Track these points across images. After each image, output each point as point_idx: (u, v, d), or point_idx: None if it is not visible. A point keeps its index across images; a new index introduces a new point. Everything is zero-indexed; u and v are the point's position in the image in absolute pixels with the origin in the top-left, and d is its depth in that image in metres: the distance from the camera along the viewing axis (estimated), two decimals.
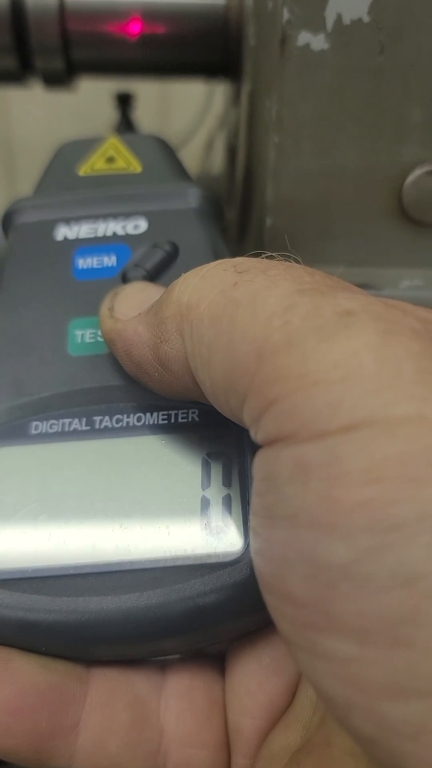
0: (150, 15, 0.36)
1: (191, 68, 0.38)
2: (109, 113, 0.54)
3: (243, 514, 0.20)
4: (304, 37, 0.26)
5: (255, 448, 0.16)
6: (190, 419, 0.21)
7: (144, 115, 0.58)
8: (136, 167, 0.29)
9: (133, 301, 0.21)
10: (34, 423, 0.22)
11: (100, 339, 0.23)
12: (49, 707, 0.18)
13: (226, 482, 0.20)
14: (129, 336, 0.20)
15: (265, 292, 0.16)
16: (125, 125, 0.53)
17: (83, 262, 0.26)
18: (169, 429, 0.21)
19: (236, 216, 0.39)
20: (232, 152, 0.43)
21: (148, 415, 0.22)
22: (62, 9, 0.35)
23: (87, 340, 0.23)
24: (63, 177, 0.29)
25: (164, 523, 0.20)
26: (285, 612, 0.15)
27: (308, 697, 0.19)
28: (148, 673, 0.20)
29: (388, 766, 0.13)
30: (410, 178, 0.28)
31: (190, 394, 0.19)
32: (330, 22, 0.25)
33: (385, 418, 0.13)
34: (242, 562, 0.19)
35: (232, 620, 0.19)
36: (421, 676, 0.12)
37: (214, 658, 0.21)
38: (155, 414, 0.22)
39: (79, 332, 0.24)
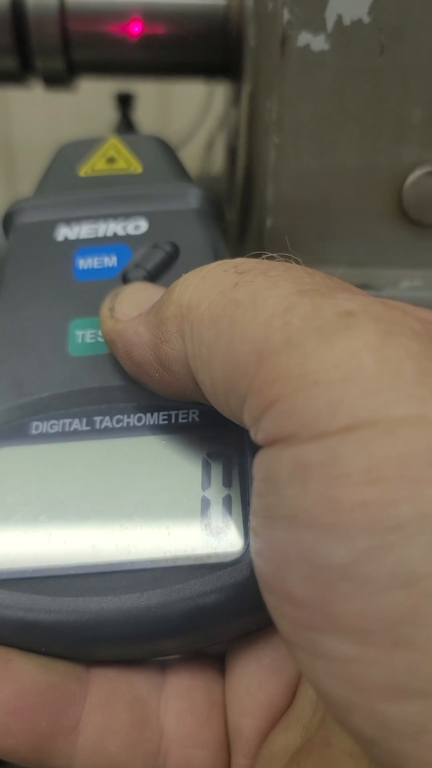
0: (150, 15, 0.36)
1: (191, 69, 0.38)
2: (110, 113, 0.54)
3: (243, 515, 0.20)
4: (304, 38, 0.26)
5: (255, 448, 0.16)
6: (190, 419, 0.21)
7: (144, 116, 0.58)
8: (136, 168, 0.30)
9: (133, 302, 0.21)
10: (35, 423, 0.22)
11: (100, 339, 0.23)
12: (49, 707, 0.18)
13: (227, 482, 0.20)
14: (129, 336, 0.20)
15: (265, 292, 0.16)
16: (125, 126, 0.53)
17: (84, 263, 0.26)
18: (169, 429, 0.21)
19: (236, 216, 0.39)
20: (232, 153, 0.43)
21: (148, 415, 0.22)
22: (62, 9, 0.35)
23: (87, 340, 0.23)
24: (64, 177, 0.29)
25: (164, 523, 0.20)
26: (285, 612, 0.15)
27: (308, 698, 0.19)
28: (148, 674, 0.20)
29: (388, 767, 0.13)
30: (410, 178, 0.28)
31: (191, 394, 0.19)
32: (330, 23, 0.25)
33: (385, 418, 0.13)
34: (242, 562, 0.19)
35: (232, 620, 0.19)
36: (421, 677, 0.12)
37: (214, 659, 0.21)
38: (155, 414, 0.22)
39: (79, 332, 0.24)
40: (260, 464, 0.16)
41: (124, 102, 0.53)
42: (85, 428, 0.21)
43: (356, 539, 0.13)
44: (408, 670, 0.13)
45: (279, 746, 0.19)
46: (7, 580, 0.19)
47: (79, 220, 0.27)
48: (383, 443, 0.13)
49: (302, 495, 0.14)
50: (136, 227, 0.27)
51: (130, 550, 0.19)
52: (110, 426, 0.21)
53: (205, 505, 0.20)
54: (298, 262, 0.18)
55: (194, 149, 0.55)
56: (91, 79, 0.40)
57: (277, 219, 0.30)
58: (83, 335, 0.24)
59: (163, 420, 0.21)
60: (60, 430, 0.21)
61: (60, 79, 0.38)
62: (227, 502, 0.20)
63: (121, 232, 0.27)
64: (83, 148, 0.31)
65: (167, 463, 0.21)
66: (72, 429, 0.21)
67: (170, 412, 0.22)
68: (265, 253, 0.19)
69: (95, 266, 0.26)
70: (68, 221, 0.27)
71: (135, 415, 0.22)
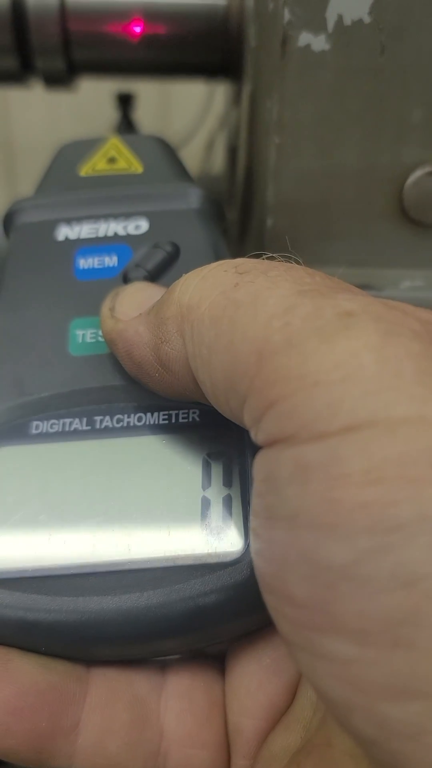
0: (151, 15, 0.36)
1: (192, 68, 0.38)
2: (110, 113, 0.54)
3: (243, 515, 0.20)
4: (305, 38, 0.26)
5: (255, 448, 0.16)
6: (190, 419, 0.21)
7: (144, 116, 0.58)
8: (137, 168, 0.30)
9: (134, 302, 0.21)
10: (35, 423, 0.22)
11: (101, 339, 0.23)
12: (48, 707, 0.18)
13: (227, 482, 0.20)
14: (130, 336, 0.20)
15: (265, 293, 0.16)
16: (126, 125, 0.53)
17: (84, 262, 0.26)
18: (169, 429, 0.21)
19: (237, 216, 0.39)
20: (232, 153, 0.43)
21: (148, 415, 0.22)
22: (63, 9, 0.35)
23: (88, 340, 0.23)
24: (64, 177, 0.29)
25: (164, 523, 0.20)
26: (285, 613, 0.15)
27: (308, 698, 0.19)
28: (148, 674, 0.20)
29: (388, 767, 0.13)
30: (411, 178, 0.28)
31: (191, 394, 0.19)
32: (331, 23, 0.25)
33: (386, 418, 0.13)
34: (242, 562, 0.19)
35: (232, 620, 0.19)
36: (422, 677, 0.12)
37: (214, 659, 0.21)
38: (156, 414, 0.22)
39: (80, 332, 0.24)
40: (260, 465, 0.16)
41: (125, 102, 0.53)
42: (85, 428, 0.21)
43: (356, 540, 0.13)
44: (408, 671, 0.13)
45: (279, 747, 0.19)
46: (7, 580, 0.19)
47: (79, 219, 0.27)
48: (383, 443, 0.13)
49: (302, 495, 0.14)
50: (137, 227, 0.27)
51: (130, 550, 0.19)
52: (110, 426, 0.21)
53: (206, 504, 0.20)
54: (298, 263, 0.18)
55: (194, 149, 0.55)
56: (92, 78, 0.40)
57: (278, 219, 0.30)
58: (83, 335, 0.24)
59: (164, 420, 0.21)
60: (60, 430, 0.21)
61: (60, 78, 0.38)
62: (227, 502, 0.20)
63: (121, 232, 0.27)
64: (84, 148, 0.31)
65: (167, 463, 0.21)
66: (72, 429, 0.21)
67: (170, 412, 0.22)
68: (265, 253, 0.19)
69: (96, 266, 0.26)
70: (69, 221, 0.27)
71: (135, 414, 0.22)
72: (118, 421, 0.22)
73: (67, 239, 0.27)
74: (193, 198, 0.27)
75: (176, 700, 0.20)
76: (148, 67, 0.38)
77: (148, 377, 0.20)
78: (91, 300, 0.24)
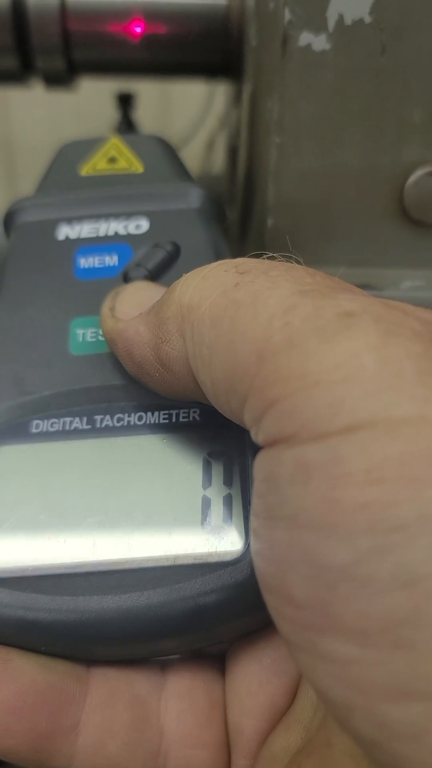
0: (151, 15, 0.36)
1: (192, 68, 0.38)
2: (110, 113, 0.54)
3: (244, 514, 0.20)
4: (305, 38, 0.26)
5: (256, 447, 0.16)
6: (191, 419, 0.21)
7: (145, 116, 0.58)
8: (137, 167, 0.30)
9: (134, 301, 0.21)
10: (35, 422, 0.22)
11: (101, 338, 0.23)
12: (48, 707, 0.18)
13: (227, 482, 0.20)
14: (130, 336, 0.20)
15: (266, 293, 0.16)
16: (126, 125, 0.53)
17: (85, 262, 0.26)
18: (170, 428, 0.21)
19: (237, 216, 0.39)
20: (233, 152, 0.43)
21: (149, 414, 0.22)
22: (63, 9, 0.35)
23: (88, 339, 0.23)
24: (65, 177, 0.29)
25: (165, 522, 0.20)
26: (285, 613, 0.15)
27: (309, 698, 0.19)
28: (148, 674, 0.20)
29: None
30: (412, 178, 0.28)
31: (191, 394, 0.19)
32: (331, 23, 0.25)
33: (386, 418, 0.13)
34: (243, 561, 0.19)
35: (232, 620, 0.19)
36: (422, 678, 0.12)
37: (215, 659, 0.21)
38: (156, 413, 0.22)
39: (80, 331, 0.24)
40: (261, 465, 0.16)
41: (125, 102, 0.53)
42: (85, 427, 0.21)
43: (357, 540, 0.13)
44: (409, 672, 0.12)
45: (279, 747, 0.19)
46: (6, 579, 0.19)
47: (80, 219, 0.27)
48: (384, 444, 0.13)
49: (303, 495, 0.14)
50: (137, 226, 0.27)
51: (130, 549, 0.19)
52: (111, 425, 0.21)
53: (206, 504, 0.20)
54: (299, 262, 0.18)
55: (195, 149, 0.55)
56: (92, 78, 0.40)
57: (278, 219, 0.30)
58: (84, 334, 0.24)
59: (164, 419, 0.21)
60: (60, 429, 0.21)
61: (60, 78, 0.38)
62: (228, 502, 0.20)
63: (122, 232, 0.27)
64: (84, 147, 0.31)
65: (168, 462, 0.21)
66: (72, 428, 0.21)
67: (171, 411, 0.22)
68: (266, 253, 0.19)
69: (96, 265, 0.26)
70: (69, 220, 0.27)
71: (135, 413, 0.22)
72: (119, 420, 0.22)
73: (67, 238, 0.27)
74: (193, 197, 0.27)
75: (176, 700, 0.20)
76: (149, 67, 0.38)
77: (149, 377, 0.20)
78: (92, 299, 0.24)
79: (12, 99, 0.73)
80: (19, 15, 0.35)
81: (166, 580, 0.19)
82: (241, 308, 0.16)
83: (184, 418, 0.21)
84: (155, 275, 0.25)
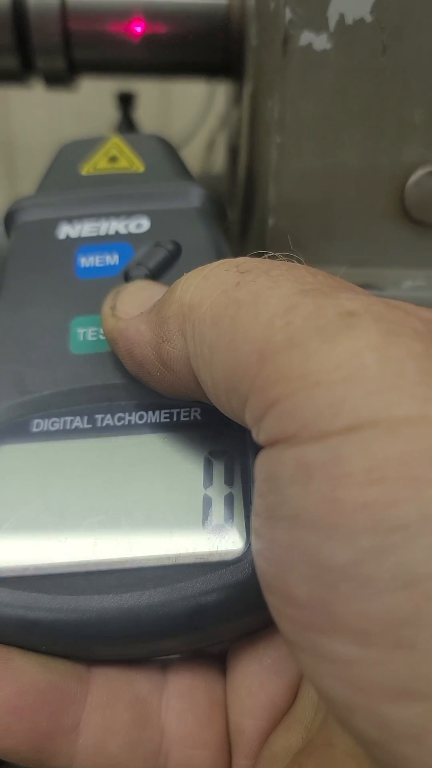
0: (151, 15, 0.36)
1: (193, 68, 0.38)
2: (111, 113, 0.54)
3: (245, 513, 0.20)
4: (306, 37, 0.26)
5: (257, 446, 0.16)
6: (192, 418, 0.21)
7: (145, 115, 0.58)
8: (138, 167, 0.30)
9: (135, 300, 0.21)
10: (36, 421, 0.22)
11: (102, 337, 0.23)
12: (49, 707, 0.18)
13: (228, 481, 0.20)
14: (131, 335, 0.20)
15: (267, 292, 0.16)
16: (126, 125, 0.53)
17: (85, 261, 0.26)
18: (171, 427, 0.21)
19: (238, 216, 0.39)
20: (233, 152, 0.43)
21: (150, 413, 0.22)
22: (63, 9, 0.35)
23: (89, 338, 0.23)
24: (65, 176, 0.29)
25: (166, 521, 0.20)
26: (286, 613, 0.15)
27: (310, 698, 0.19)
28: (149, 673, 0.20)
29: None
30: (412, 178, 0.28)
31: (192, 393, 0.19)
32: (332, 22, 0.25)
33: (388, 418, 0.13)
34: (244, 561, 0.19)
35: (233, 619, 0.19)
36: (423, 678, 0.12)
37: (216, 658, 0.21)
38: (157, 412, 0.22)
39: (81, 330, 0.24)
40: (262, 464, 0.16)
41: (125, 101, 0.53)
42: (86, 426, 0.21)
43: (358, 540, 0.13)
44: (410, 672, 0.12)
45: (280, 747, 0.19)
46: (7, 578, 0.19)
47: (80, 218, 0.27)
48: (385, 443, 0.13)
49: (304, 495, 0.14)
50: (138, 226, 0.27)
51: (131, 548, 0.19)
52: (111, 424, 0.21)
53: (207, 503, 0.20)
54: (300, 262, 0.18)
55: (195, 149, 0.55)
56: (92, 78, 0.40)
57: (279, 219, 0.30)
58: (85, 333, 0.24)
59: (165, 418, 0.21)
60: (61, 428, 0.21)
61: (61, 78, 0.38)
62: (229, 501, 0.20)
63: (123, 231, 0.26)
64: (85, 146, 0.31)
65: (169, 462, 0.21)
66: (73, 427, 0.21)
67: (172, 410, 0.22)
68: (267, 252, 0.19)
69: (97, 264, 0.26)
70: (70, 219, 0.27)
71: (136, 413, 0.22)
72: (120, 419, 0.22)
73: (68, 238, 0.27)
74: (194, 197, 0.27)
75: (177, 700, 0.20)
76: (149, 67, 0.38)
77: (149, 376, 0.20)
78: (93, 298, 0.24)
79: (12, 99, 0.73)
80: (19, 14, 0.35)
81: (167, 580, 0.19)
82: (242, 307, 0.16)
83: (185, 417, 0.21)
84: (156, 274, 0.25)
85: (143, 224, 0.27)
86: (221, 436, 0.21)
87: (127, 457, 0.21)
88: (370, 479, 0.13)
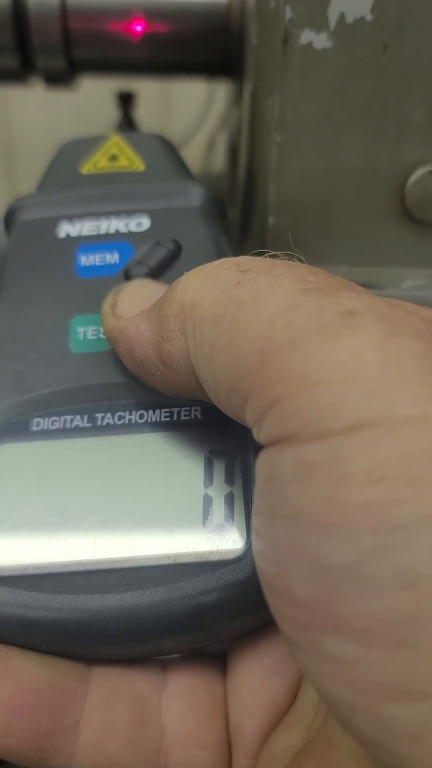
0: (152, 14, 0.36)
1: (193, 67, 0.38)
2: (111, 112, 0.54)
3: (245, 512, 0.19)
4: (306, 36, 0.26)
5: (258, 445, 0.16)
6: (192, 417, 0.21)
7: (145, 114, 0.58)
8: (139, 165, 0.29)
9: (135, 299, 0.21)
10: (36, 419, 0.22)
11: (102, 336, 0.23)
12: (49, 706, 0.18)
13: (229, 480, 0.20)
14: (131, 334, 0.20)
15: (268, 291, 0.16)
16: (126, 124, 0.53)
17: (86, 260, 0.26)
18: (171, 426, 0.21)
19: (238, 215, 0.39)
20: (233, 152, 0.43)
21: (150, 412, 0.22)
22: (64, 8, 0.35)
23: (89, 337, 0.23)
24: (66, 175, 0.29)
25: (166, 520, 0.19)
26: (287, 613, 0.15)
27: (310, 698, 0.19)
28: (149, 673, 0.20)
29: None
30: (413, 177, 0.28)
31: (193, 392, 0.19)
32: (333, 21, 0.25)
33: (389, 418, 0.13)
34: (244, 560, 0.19)
35: (233, 619, 0.19)
36: (424, 678, 0.12)
37: (216, 658, 0.21)
38: (157, 411, 0.22)
39: (81, 329, 0.24)
40: (263, 464, 0.16)
41: (125, 101, 0.53)
42: (86, 425, 0.21)
43: (359, 540, 0.13)
44: (411, 672, 0.12)
45: (280, 747, 0.19)
46: (7, 578, 0.19)
47: (81, 216, 0.27)
48: (386, 443, 0.13)
49: (305, 495, 0.14)
50: (139, 224, 0.27)
51: (131, 548, 0.19)
52: (112, 423, 0.21)
53: (207, 502, 0.20)
54: (301, 261, 0.18)
55: (195, 148, 0.55)
56: (92, 77, 0.40)
57: (279, 218, 0.30)
58: (85, 332, 0.23)
59: (165, 417, 0.21)
60: (61, 427, 0.21)
61: (61, 77, 0.38)
62: (229, 500, 0.20)
63: (123, 229, 0.26)
64: (85, 145, 0.31)
65: (169, 461, 0.21)
66: (73, 426, 0.21)
67: (172, 409, 0.22)
68: (268, 252, 0.19)
69: (97, 263, 0.26)
70: (70, 218, 0.27)
71: (137, 411, 0.22)
72: (120, 418, 0.22)
73: (68, 236, 0.26)
74: (194, 195, 0.27)
75: (177, 700, 0.20)
76: (149, 66, 0.38)
77: (150, 375, 0.20)
78: (93, 297, 0.24)
79: (12, 98, 0.73)
80: (19, 14, 0.35)
81: (167, 579, 0.19)
82: (243, 307, 0.16)
83: (185, 416, 0.21)
84: (156, 273, 0.25)
85: (143, 223, 0.27)
86: (222, 435, 0.21)
87: (127, 456, 0.21)
88: (371, 479, 0.13)
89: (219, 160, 0.54)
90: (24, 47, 0.36)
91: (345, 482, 0.13)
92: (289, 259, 0.18)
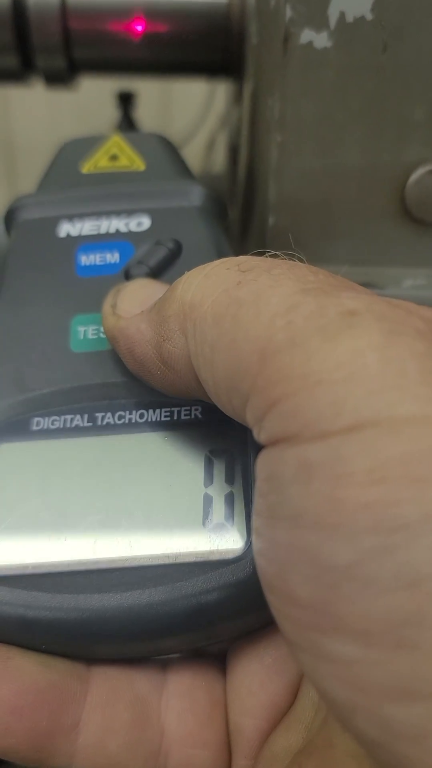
0: (152, 14, 0.36)
1: (193, 67, 0.38)
2: (111, 112, 0.54)
3: (245, 512, 0.19)
4: (306, 35, 0.26)
5: (258, 445, 0.16)
6: (192, 416, 0.21)
7: (145, 114, 0.58)
8: (139, 165, 0.29)
9: (135, 299, 0.21)
10: (36, 419, 0.22)
11: (102, 335, 0.23)
12: (49, 706, 0.18)
13: (229, 480, 0.20)
14: (131, 333, 0.20)
15: (268, 291, 0.16)
16: (127, 124, 0.53)
17: (86, 259, 0.26)
18: (171, 426, 0.21)
19: (238, 215, 0.39)
20: (234, 151, 0.43)
21: (150, 411, 0.22)
22: (64, 7, 0.35)
23: (89, 336, 0.23)
24: (66, 174, 0.29)
25: (166, 520, 0.19)
26: (288, 613, 0.15)
27: (310, 698, 0.19)
28: (149, 673, 0.20)
29: None
30: (413, 177, 0.28)
31: (193, 392, 0.19)
32: (333, 20, 0.25)
33: (389, 418, 0.13)
34: (244, 560, 0.19)
35: (233, 618, 0.19)
36: (425, 679, 0.12)
37: (216, 658, 0.21)
38: (158, 411, 0.22)
39: (81, 329, 0.24)
40: (263, 464, 0.16)
41: (125, 100, 0.53)
42: (86, 424, 0.21)
43: (360, 540, 0.13)
44: (411, 672, 0.12)
45: (280, 747, 0.19)
46: (7, 577, 0.19)
47: (81, 216, 0.27)
48: (387, 443, 0.13)
49: (305, 495, 0.14)
50: (139, 224, 0.27)
51: (131, 547, 0.19)
52: (112, 422, 0.21)
53: (207, 502, 0.20)
54: (301, 260, 0.18)
55: (196, 148, 0.55)
56: (92, 77, 0.40)
57: (280, 217, 0.30)
58: (85, 331, 0.23)
59: (166, 417, 0.21)
60: (61, 426, 0.21)
61: (61, 77, 0.38)
62: (229, 500, 0.20)
63: (123, 229, 0.26)
64: (86, 145, 0.30)
65: (169, 460, 0.21)
66: (73, 425, 0.21)
67: (172, 409, 0.22)
68: (268, 251, 0.19)
69: (97, 263, 0.26)
70: (70, 218, 0.27)
71: (137, 411, 0.22)
72: (120, 417, 0.22)
73: (68, 236, 0.26)
74: (195, 195, 0.27)
75: (177, 700, 0.20)
76: (149, 66, 0.38)
77: (150, 374, 0.20)
78: (93, 297, 0.24)
79: (12, 98, 0.73)
80: (19, 14, 0.35)
81: (168, 578, 0.19)
82: (244, 306, 0.16)
83: (185, 415, 0.21)
84: (157, 273, 0.25)
85: (144, 222, 0.27)
86: (222, 434, 0.21)
87: (127, 455, 0.21)
88: (372, 479, 0.13)
89: (219, 160, 0.54)
90: (24, 47, 0.36)
91: (345, 482, 0.13)
92: (289, 259, 0.18)
